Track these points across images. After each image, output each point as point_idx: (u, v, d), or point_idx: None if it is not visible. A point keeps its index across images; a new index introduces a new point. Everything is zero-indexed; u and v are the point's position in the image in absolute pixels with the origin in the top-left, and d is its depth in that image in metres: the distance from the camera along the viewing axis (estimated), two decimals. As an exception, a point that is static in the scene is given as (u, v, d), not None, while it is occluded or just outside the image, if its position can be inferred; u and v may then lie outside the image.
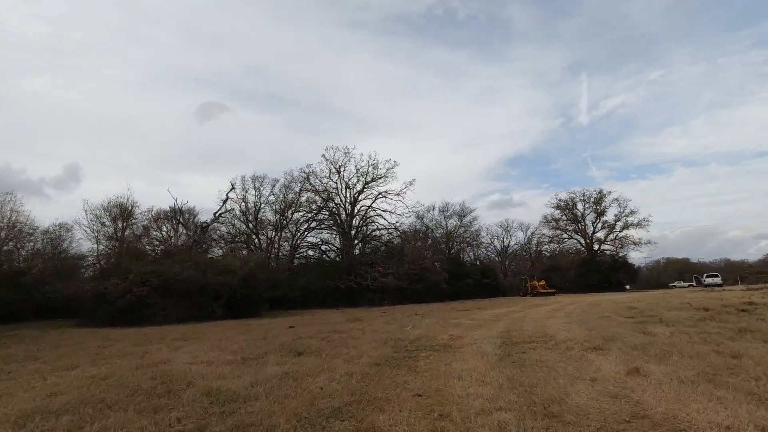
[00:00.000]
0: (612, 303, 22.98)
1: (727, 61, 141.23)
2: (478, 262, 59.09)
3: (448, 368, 7.26)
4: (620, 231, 61.63)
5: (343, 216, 45.34)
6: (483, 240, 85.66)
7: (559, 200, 66.30)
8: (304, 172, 44.19)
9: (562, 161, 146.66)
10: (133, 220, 42.17)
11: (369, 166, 43.68)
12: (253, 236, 49.09)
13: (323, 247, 46.89)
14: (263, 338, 12.58)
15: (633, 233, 60.71)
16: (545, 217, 67.81)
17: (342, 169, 43.89)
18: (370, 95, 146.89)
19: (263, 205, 49.19)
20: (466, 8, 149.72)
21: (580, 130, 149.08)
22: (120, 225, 39.86)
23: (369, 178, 44.24)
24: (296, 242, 49.78)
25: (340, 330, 14.04)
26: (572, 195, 65.34)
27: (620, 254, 61.90)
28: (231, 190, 39.69)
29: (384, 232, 45.91)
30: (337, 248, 46.33)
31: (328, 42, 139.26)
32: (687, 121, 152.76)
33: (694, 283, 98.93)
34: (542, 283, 51.93)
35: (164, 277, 25.33)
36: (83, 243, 39.90)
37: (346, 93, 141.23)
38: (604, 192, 63.16)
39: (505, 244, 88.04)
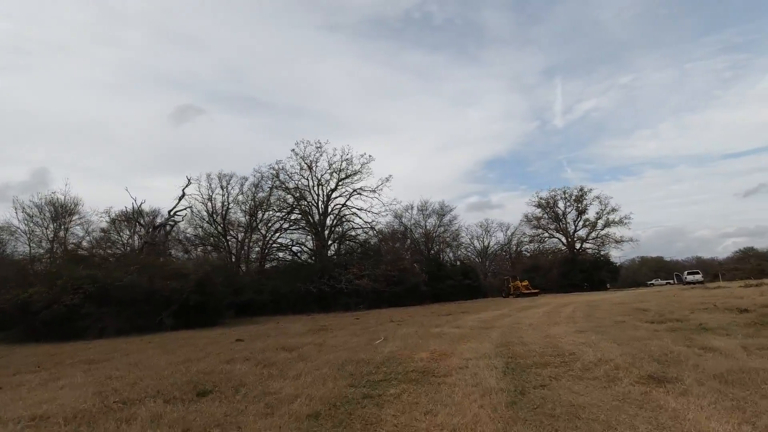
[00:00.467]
0: (612, 304, 20.54)
1: (692, 67, 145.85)
2: (458, 263, 56.56)
3: (431, 424, 4.30)
4: (602, 229, 60.19)
5: (316, 216, 42.11)
6: (463, 240, 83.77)
7: (541, 198, 64.62)
8: (273, 168, 40.88)
9: (539, 163, 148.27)
10: (76, 220, 37.97)
11: (342, 161, 40.68)
12: (222, 239, 45.46)
13: (294, 249, 43.54)
14: (185, 361, 9.38)
15: (614, 231, 59.21)
16: (526, 216, 66.03)
17: (314, 165, 40.76)
18: (348, 98, 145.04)
19: (232, 205, 45.68)
20: (443, 12, 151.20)
21: (556, 133, 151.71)
22: (54, 226, 35.56)
23: (343, 175, 41.18)
24: (267, 244, 46.34)
25: (291, 346, 10.92)
26: (553, 193, 63.74)
27: (602, 253, 60.38)
28: (187, 185, 35.86)
29: (360, 231, 42.93)
30: (310, 250, 43.05)
31: (306, 44, 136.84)
32: (656, 124, 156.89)
33: (673, 281, 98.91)
34: (525, 283, 49.67)
35: (101, 284, 21.71)
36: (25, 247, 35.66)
37: (325, 95, 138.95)
38: (585, 190, 61.72)
39: (485, 244, 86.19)
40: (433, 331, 13.17)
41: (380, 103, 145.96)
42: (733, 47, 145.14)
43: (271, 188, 42.28)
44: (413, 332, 13.05)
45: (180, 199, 34.49)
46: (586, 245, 61.86)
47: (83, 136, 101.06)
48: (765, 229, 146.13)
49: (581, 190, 61.62)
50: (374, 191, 41.49)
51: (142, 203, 37.86)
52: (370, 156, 40.86)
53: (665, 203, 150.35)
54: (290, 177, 41.02)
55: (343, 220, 42.88)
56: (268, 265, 46.50)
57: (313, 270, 38.69)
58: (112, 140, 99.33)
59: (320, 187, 41.77)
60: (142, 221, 43.59)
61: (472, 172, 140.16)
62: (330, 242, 43.09)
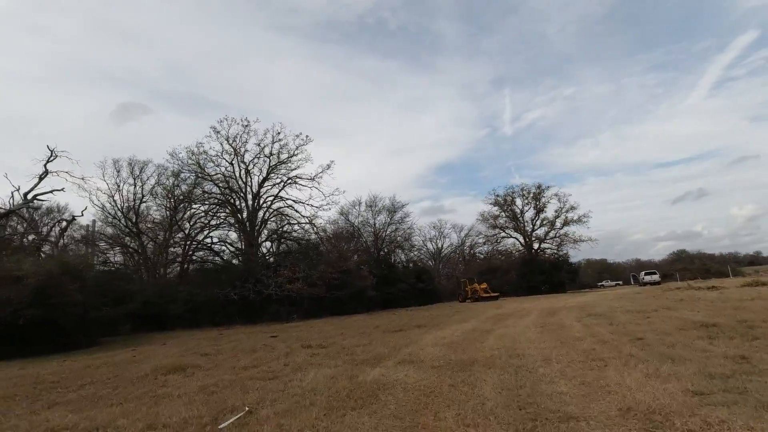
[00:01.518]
0: (625, 311, 14.99)
1: (628, 82, 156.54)
2: (411, 265, 50.77)
3: None
4: (561, 228, 56.35)
5: (245, 209, 34.80)
6: (416, 242, 78.35)
7: (498, 196, 60.09)
8: (192, 153, 33.13)
9: (488, 170, 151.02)
10: None
11: (274, 142, 33.66)
12: (135, 238, 37.02)
13: (216, 248, 35.91)
14: None
15: (573, 230, 55.56)
16: (482, 215, 61.28)
17: (241, 147, 33.49)
18: (300, 100, 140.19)
19: (147, 198, 37.45)
20: (396, 19, 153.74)
21: (505, 141, 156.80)
22: None
23: (275, 160, 34.15)
24: (191, 244, 38.39)
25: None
26: (511, 190, 59.45)
27: (561, 253, 56.52)
28: (50, 158, 26.40)
29: (297, 228, 36.02)
30: (236, 249, 35.56)
31: (257, 44, 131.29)
32: (597, 134, 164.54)
33: (619, 282, 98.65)
34: (484, 286, 44.54)
35: None
36: None
37: (275, 97, 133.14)
38: (543, 187, 57.82)
39: (439, 246, 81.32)
40: (366, 377, 6.80)
41: (332, 107, 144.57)
42: (662, 65, 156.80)
43: (196, 178, 34.55)
44: (326, 380, 6.65)
45: (41, 177, 25.84)
46: (544, 245, 58.04)
47: (11, 135, 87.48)
48: (691, 233, 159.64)
49: (539, 187, 57.83)
50: (313, 179, 34.78)
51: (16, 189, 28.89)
52: (307, 137, 34.12)
53: (605, 208, 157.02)
54: (213, 161, 33.51)
55: (277, 213, 35.80)
56: (193, 268, 38.67)
57: (234, 273, 31.39)
58: (42, 137, 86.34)
59: (249, 175, 34.55)
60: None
61: (423, 177, 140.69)
62: (262, 240, 35.90)
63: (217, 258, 35.22)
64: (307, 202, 35.73)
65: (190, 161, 33.06)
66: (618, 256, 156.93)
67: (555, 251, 56.42)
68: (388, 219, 49.97)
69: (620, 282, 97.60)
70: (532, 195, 58.16)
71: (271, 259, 34.94)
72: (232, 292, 29.07)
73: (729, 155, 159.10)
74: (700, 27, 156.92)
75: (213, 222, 35.48)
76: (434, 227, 79.24)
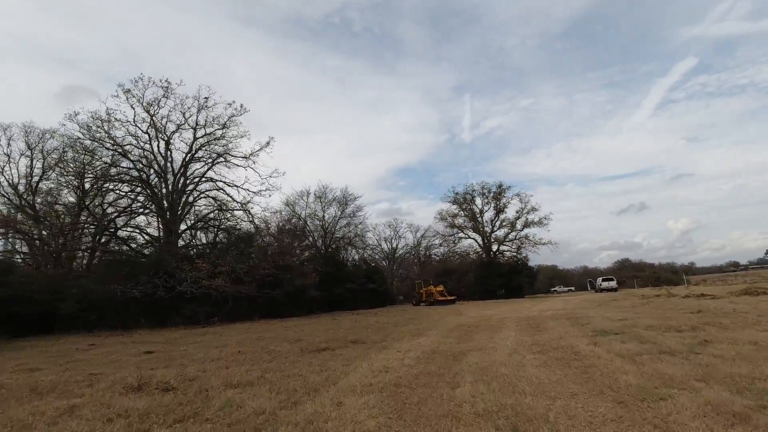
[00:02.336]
0: (622, 321, 10.89)
1: (580, 98, 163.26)
2: (362, 264, 45.88)
3: None
4: (521, 230, 53.29)
5: (164, 192, 28.70)
6: (370, 241, 73.79)
7: (456, 194, 56.36)
8: (100, 119, 26.51)
9: (446, 174, 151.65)
10: None
11: (201, 110, 27.83)
12: (33, 223, 29.92)
13: (127, 235, 29.44)
14: None
15: (534, 232, 52.63)
16: (440, 213, 57.36)
17: (159, 115, 27.39)
18: (260, 95, 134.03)
19: (51, 175, 30.47)
20: (362, 20, 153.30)
21: (463, 147, 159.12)
22: None
23: (202, 132, 28.32)
24: (103, 231, 31.67)
25: None
26: (470, 188, 55.87)
27: (520, 256, 53.41)
28: None
29: (228, 214, 30.25)
30: (151, 238, 29.31)
31: (217, 34, 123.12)
32: (549, 145, 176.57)
33: (571, 288, 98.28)
34: (440, 288, 40.42)
35: None
36: None
37: (234, 89, 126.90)
38: (504, 186, 54.64)
39: (394, 246, 77.08)
40: None
41: (293, 104, 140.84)
42: (612, 84, 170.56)
43: (106, 151, 27.91)
44: None
45: None
46: (503, 248, 54.81)
47: None
48: (632, 243, 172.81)
49: (500, 186, 54.60)
50: (248, 158, 29.21)
51: None
52: (242, 106, 28.47)
53: (555, 217, 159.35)
54: (125, 129, 27.13)
55: (204, 197, 29.91)
56: (99, 259, 31.88)
57: (142, 266, 25.40)
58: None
59: (170, 149, 28.51)
60: None
61: (383, 179, 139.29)
62: (185, 228, 29.89)
63: (125, 247, 28.85)
64: (241, 186, 30.19)
65: (96, 130, 26.60)
66: (566, 263, 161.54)
67: (514, 254, 53.33)
68: (339, 212, 44.98)
69: (572, 288, 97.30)
70: (492, 194, 54.94)
71: (193, 251, 29.03)
72: (134, 288, 23.13)
73: (667, 172, 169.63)
74: (646, 51, 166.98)
75: (124, 203, 29.05)
76: (390, 226, 75.15)
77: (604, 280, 55.57)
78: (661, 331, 8.95)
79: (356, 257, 49.57)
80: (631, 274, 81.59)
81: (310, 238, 43.93)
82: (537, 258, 55.34)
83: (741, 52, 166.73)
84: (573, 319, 13.56)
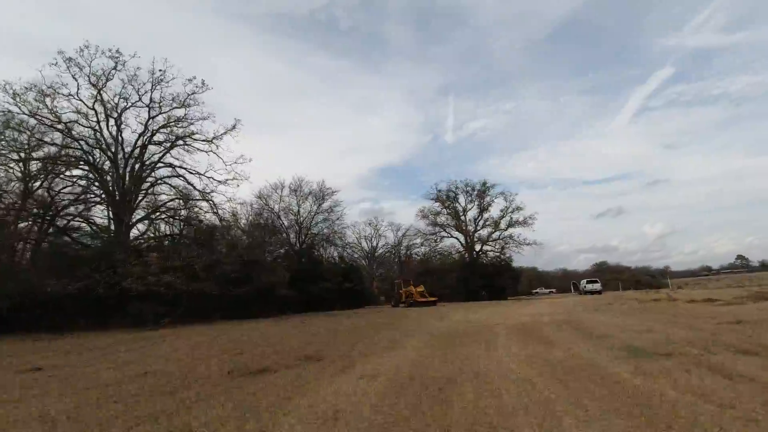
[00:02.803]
0: (629, 332, 8.47)
1: (565, 101, 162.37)
2: (340, 263, 42.98)
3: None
4: (505, 229, 51.27)
5: (115, 177, 25.44)
6: (350, 240, 71.05)
7: (439, 191, 54.06)
8: (40, 91, 23.02)
9: (429, 175, 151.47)
10: None
11: (156, 83, 24.64)
12: None
13: (73, 224, 26.00)
14: None
15: (519, 232, 50.62)
16: (422, 211, 54.94)
17: (109, 90, 24.14)
18: (247, 92, 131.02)
19: None
20: (349, 19, 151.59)
21: (447, 148, 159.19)
22: None
23: (157, 111, 25.13)
24: (48, 219, 28.18)
25: None
26: (454, 186, 53.60)
27: (504, 257, 51.34)
28: None
29: (189, 204, 27.13)
30: (98, 228, 25.97)
31: (205, 30, 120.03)
32: (533, 148, 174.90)
33: (552, 290, 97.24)
34: (421, 289, 37.99)
35: None
36: None
37: (222, 86, 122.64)
38: (489, 185, 52.56)
39: (374, 245, 74.44)
40: None
41: (280, 102, 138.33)
42: (594, 89, 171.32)
43: (53, 134, 24.47)
44: None
45: None
46: (486, 247, 52.70)
47: None
48: (609, 246, 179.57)
49: (484, 184, 52.56)
50: (211, 142, 26.21)
51: None
52: (204, 82, 25.40)
53: (536, 219, 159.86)
54: (68, 102, 23.77)
55: (161, 184, 26.74)
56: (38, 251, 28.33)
57: (82, 259, 22.19)
58: None
59: (121, 129, 25.28)
60: None
61: (366, 178, 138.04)
62: (138, 219, 26.66)
63: (66, 238, 25.46)
64: (204, 174, 27.16)
65: (33, 103, 23.17)
66: (545, 265, 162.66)
67: (498, 254, 51.28)
68: (316, 207, 42.07)
69: (553, 290, 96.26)
70: (476, 193, 52.84)
71: (146, 244, 25.86)
72: (71, 284, 19.96)
73: (645, 178, 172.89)
74: (627, 58, 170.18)
75: (67, 189, 25.61)
76: (370, 224, 72.49)
77: (588, 282, 53.99)
78: (725, 352, 6.52)
79: (335, 255, 46.80)
80: (612, 277, 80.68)
81: (284, 234, 40.96)
82: (518, 259, 53.52)
83: (716, 62, 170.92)
84: (579, 329, 11.16)
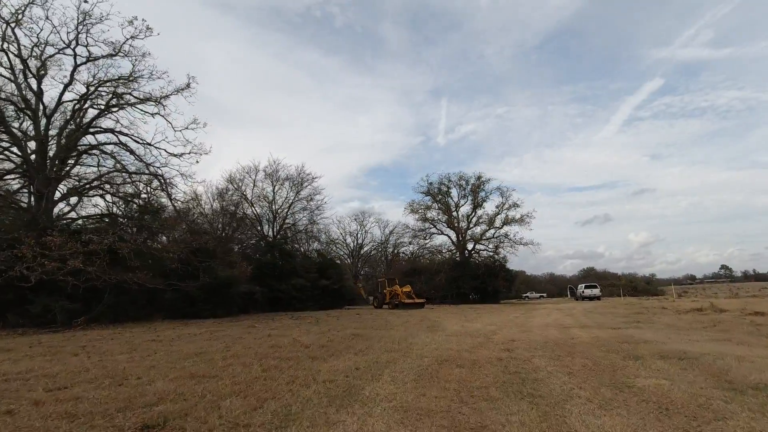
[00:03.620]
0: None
1: (552, 109, 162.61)
2: (317, 257, 38.00)
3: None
4: (500, 227, 46.77)
5: (33, 141, 20.34)
6: (334, 236, 66.35)
7: (430, 184, 49.40)
8: None
9: (418, 176, 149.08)
10: None
11: (81, 26, 19.22)
12: None
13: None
14: None
15: (516, 230, 46.15)
16: (411, 205, 50.16)
17: (28, 30, 18.99)
18: (234, 84, 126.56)
19: None
20: (344, 17, 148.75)
21: (437, 150, 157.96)
22: None
23: (83, 59, 19.89)
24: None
25: None
26: (446, 179, 48.94)
27: (498, 257, 46.78)
28: None
29: (130, 178, 22.11)
30: (10, 202, 20.77)
31: (191, 19, 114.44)
32: (521, 153, 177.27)
33: (543, 295, 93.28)
34: (407, 289, 33.32)
35: None
36: None
37: (207, 78, 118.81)
38: (484, 179, 48.05)
39: (360, 242, 69.73)
40: None
41: (268, 96, 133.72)
42: (583, 98, 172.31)
43: None
44: None
45: None
46: (479, 246, 48.14)
47: None
48: (595, 253, 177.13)
49: (479, 178, 48.01)
50: (158, 102, 21.18)
51: None
52: (147, 26, 20.17)
53: (533, 217, 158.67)
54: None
55: (95, 149, 21.61)
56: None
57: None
58: None
59: (40, 81, 20.13)
60: None
61: (355, 177, 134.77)
62: (63, 194, 21.52)
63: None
64: (153, 144, 22.15)
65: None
66: (532, 269, 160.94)
67: (491, 254, 46.73)
68: (293, 195, 37.15)
69: (544, 294, 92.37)
70: (470, 187, 48.28)
71: (61, 223, 20.74)
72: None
73: (631, 186, 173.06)
74: (616, 69, 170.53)
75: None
76: (356, 219, 67.83)
77: (587, 287, 49.81)
78: None
79: (317, 248, 41.86)
80: (609, 283, 76.97)
81: (256, 224, 36.00)
82: (510, 261, 49.00)
83: (704, 76, 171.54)
84: (660, 354, 6.56)
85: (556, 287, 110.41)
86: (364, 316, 22.97)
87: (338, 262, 36.33)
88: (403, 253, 65.06)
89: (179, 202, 22.71)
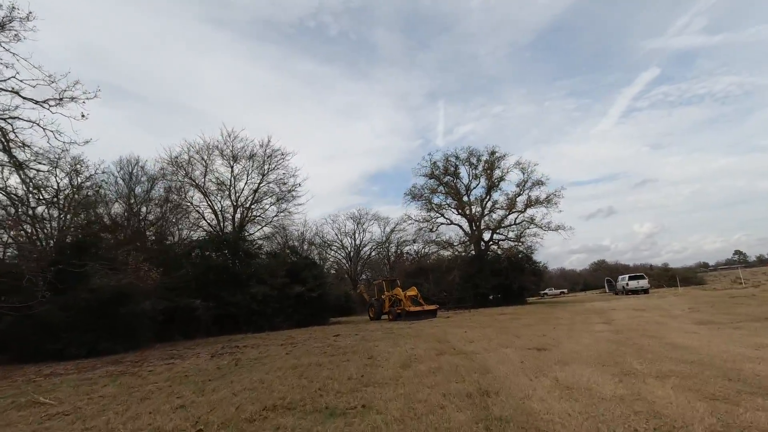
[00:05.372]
0: None
1: (549, 105, 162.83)
2: (290, 255, 28.19)
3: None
4: (523, 210, 37.16)
5: None
6: (329, 236, 57.32)
7: (434, 164, 39.86)
8: None
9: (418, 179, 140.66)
10: None
11: None
12: None
13: None
14: None
15: (542, 213, 36.50)
16: (412, 190, 40.46)
17: None
18: (232, 98, 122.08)
19: None
20: (337, 25, 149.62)
21: (436, 152, 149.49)
22: None
23: None
24: None
25: None
26: (453, 156, 39.28)
27: (522, 247, 37.06)
28: None
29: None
30: None
31: (186, 36, 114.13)
32: (520, 151, 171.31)
33: (563, 291, 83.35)
34: (413, 292, 23.84)
35: None
36: None
37: (204, 93, 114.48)
38: (499, 153, 38.49)
39: (358, 242, 60.48)
40: None
41: (265, 108, 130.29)
42: (579, 93, 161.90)
43: None
44: None
45: None
46: (497, 236, 38.53)
47: None
48: (600, 246, 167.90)
49: (493, 153, 38.41)
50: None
51: None
52: None
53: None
54: None
55: None
56: None
57: None
58: None
59: None
60: None
61: (355, 184, 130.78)
62: None
63: None
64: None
65: None
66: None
67: (514, 244, 36.98)
68: (257, 178, 27.85)
69: (564, 290, 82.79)
70: (483, 164, 38.73)
71: None
72: None
73: (633, 178, 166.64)
74: (611, 61, 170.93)
75: None
76: (352, 218, 58.69)
77: (631, 279, 39.95)
78: None
79: (291, 245, 32.46)
80: (653, 273, 67.24)
81: (216, 222, 26.79)
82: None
83: (699, 63, 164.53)
84: None
85: (569, 282, 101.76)
86: (345, 338, 13.56)
87: (320, 262, 26.49)
88: (408, 253, 55.76)
89: (22, 165, 13.35)
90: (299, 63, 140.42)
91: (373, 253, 61.95)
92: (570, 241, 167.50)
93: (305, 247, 37.63)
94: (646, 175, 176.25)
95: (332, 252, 60.26)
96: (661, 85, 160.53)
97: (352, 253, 60.53)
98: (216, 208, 26.93)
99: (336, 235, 59.27)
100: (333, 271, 60.66)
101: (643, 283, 38.87)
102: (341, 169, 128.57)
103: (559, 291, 78.20)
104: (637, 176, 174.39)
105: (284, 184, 28.12)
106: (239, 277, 21.32)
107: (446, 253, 40.16)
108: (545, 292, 77.22)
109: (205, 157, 26.45)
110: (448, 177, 39.32)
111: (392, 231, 58.57)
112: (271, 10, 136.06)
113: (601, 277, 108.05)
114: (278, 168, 28.21)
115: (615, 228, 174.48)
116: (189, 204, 24.69)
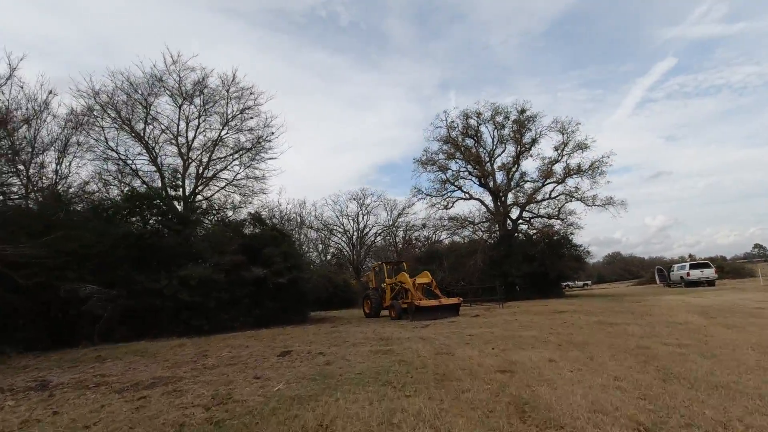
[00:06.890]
0: None
1: (562, 96, 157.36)
2: (255, 225, 20.33)
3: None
4: (563, 180, 29.25)
5: None
6: (328, 220, 50.17)
7: (450, 124, 31.97)
8: None
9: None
10: None
11: None
12: None
13: None
14: None
15: (586, 185, 28.59)
16: (421, 159, 32.45)
17: None
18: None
19: None
20: (349, 14, 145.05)
21: (453, 110, 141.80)
22: None
23: None
24: None
25: None
26: (473, 113, 31.27)
27: (559, 227, 29.17)
28: None
29: None
30: None
31: (197, 26, 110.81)
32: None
33: (587, 282, 75.10)
34: (425, 279, 16.28)
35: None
36: None
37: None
38: (530, 112, 30.43)
39: (362, 225, 53.06)
40: None
41: (277, 98, 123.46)
42: (592, 83, 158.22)
43: None
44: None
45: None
46: (526, 214, 30.60)
47: None
48: (611, 239, 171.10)
49: (522, 111, 30.37)
50: None
51: None
52: None
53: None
54: None
55: None
56: None
57: None
58: None
59: None
60: None
61: (366, 175, 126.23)
62: None
63: None
64: None
65: None
66: None
67: (552, 223, 29.06)
68: (220, 126, 20.38)
69: (588, 282, 74.74)
70: (511, 124, 30.68)
71: None
72: None
73: (647, 170, 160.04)
74: (626, 51, 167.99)
75: None
76: (354, 198, 51.26)
77: (693, 267, 31.86)
78: None
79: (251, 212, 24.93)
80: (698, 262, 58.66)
81: (140, 178, 19.43)
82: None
83: (718, 53, 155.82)
84: None
85: (584, 272, 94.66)
86: (274, 369, 6.08)
87: (280, 230, 18.36)
88: (417, 239, 48.06)
89: None
90: (311, 53, 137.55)
91: (378, 239, 54.62)
92: (580, 233, 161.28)
93: (283, 224, 30.02)
94: (659, 167, 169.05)
95: (334, 239, 53.21)
96: (677, 76, 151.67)
97: (354, 238, 53.20)
98: (160, 164, 19.53)
99: (337, 218, 52.01)
100: (335, 259, 53.74)
101: (709, 272, 30.84)
102: (350, 159, 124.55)
103: (582, 283, 69.99)
104: (651, 168, 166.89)
105: (250, 131, 20.59)
106: (166, 254, 13.90)
107: (465, 232, 32.41)
108: (568, 283, 69.14)
109: (145, 91, 18.95)
110: (468, 140, 31.40)
111: (400, 215, 51.12)
112: (282, 0, 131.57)
113: (617, 270, 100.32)
114: (247, 113, 20.68)
115: (626, 221, 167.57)
116: (102, 140, 17.27)
